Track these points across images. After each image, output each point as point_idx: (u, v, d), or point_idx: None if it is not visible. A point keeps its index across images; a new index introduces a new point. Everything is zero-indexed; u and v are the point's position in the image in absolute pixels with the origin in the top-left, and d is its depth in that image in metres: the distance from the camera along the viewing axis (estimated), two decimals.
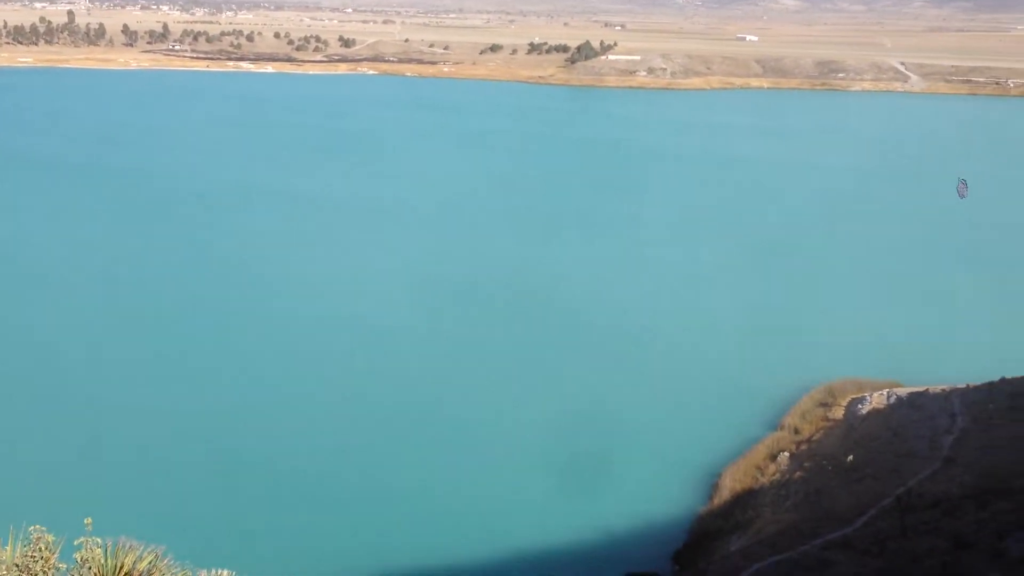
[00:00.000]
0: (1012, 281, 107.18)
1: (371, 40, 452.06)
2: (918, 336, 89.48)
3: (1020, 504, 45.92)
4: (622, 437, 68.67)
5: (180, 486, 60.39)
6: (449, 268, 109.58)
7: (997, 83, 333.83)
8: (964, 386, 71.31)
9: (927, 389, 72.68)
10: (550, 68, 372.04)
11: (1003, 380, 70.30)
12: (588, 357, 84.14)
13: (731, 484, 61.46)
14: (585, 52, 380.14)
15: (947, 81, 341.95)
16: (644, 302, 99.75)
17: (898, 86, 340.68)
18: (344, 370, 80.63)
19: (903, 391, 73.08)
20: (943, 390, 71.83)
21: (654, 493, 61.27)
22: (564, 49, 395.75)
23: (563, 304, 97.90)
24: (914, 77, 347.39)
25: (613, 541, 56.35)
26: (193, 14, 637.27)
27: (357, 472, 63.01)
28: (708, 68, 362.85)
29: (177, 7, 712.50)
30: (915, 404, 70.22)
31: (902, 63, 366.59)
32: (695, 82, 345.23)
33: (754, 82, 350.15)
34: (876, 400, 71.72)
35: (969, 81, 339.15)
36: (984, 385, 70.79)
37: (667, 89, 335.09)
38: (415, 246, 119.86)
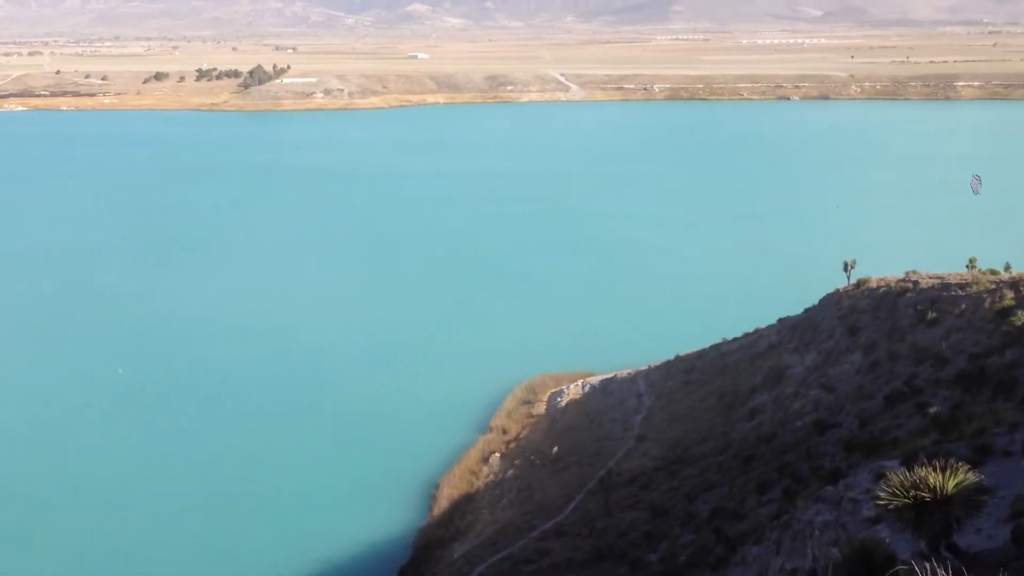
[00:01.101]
0: (665, 267, 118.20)
1: (16, 74, 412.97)
2: (602, 326, 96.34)
3: (704, 468, 50.86)
4: (335, 465, 67.87)
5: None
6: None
7: (645, 88, 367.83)
8: (647, 367, 77.75)
9: (616, 375, 78.45)
10: (223, 94, 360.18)
11: (677, 357, 77.51)
12: (289, 388, 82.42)
13: (449, 492, 62.69)
14: (259, 76, 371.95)
15: (603, 89, 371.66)
16: (338, 322, 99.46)
17: (561, 96, 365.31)
18: None
19: (595, 379, 78.35)
20: (629, 374, 77.91)
21: (375, 514, 61.12)
22: (236, 74, 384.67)
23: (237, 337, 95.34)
24: (574, 87, 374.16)
25: (337, 569, 55.52)
26: None
27: None
28: (385, 87, 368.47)
29: None
30: (607, 390, 75.54)
31: (562, 74, 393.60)
32: (373, 101, 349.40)
33: (430, 98, 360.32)
34: (573, 391, 76.33)
35: (621, 88, 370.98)
36: (663, 364, 77.65)
37: (346, 110, 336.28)
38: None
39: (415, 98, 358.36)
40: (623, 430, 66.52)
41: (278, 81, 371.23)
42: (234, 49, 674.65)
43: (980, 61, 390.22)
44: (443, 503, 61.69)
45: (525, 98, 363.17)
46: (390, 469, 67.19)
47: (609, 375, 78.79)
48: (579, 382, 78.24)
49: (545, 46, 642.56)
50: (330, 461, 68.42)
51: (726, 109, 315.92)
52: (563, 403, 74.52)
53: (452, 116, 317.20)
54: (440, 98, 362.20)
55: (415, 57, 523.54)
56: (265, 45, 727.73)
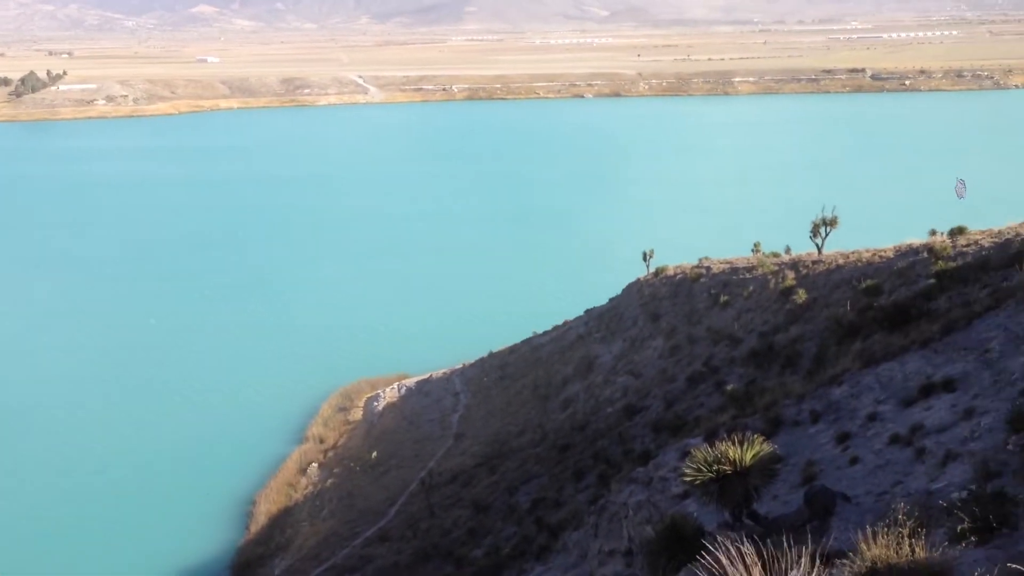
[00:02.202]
0: (484, 263, 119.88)
1: None
2: (415, 328, 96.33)
3: (523, 461, 51.86)
4: (145, 488, 64.43)
5: None
6: None
7: (444, 89, 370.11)
8: (462, 365, 78.40)
9: (431, 375, 78.63)
10: None
11: (491, 354, 78.59)
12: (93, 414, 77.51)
13: (266, 507, 60.91)
14: (31, 84, 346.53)
15: (402, 91, 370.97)
16: (138, 334, 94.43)
17: (360, 98, 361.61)
18: None
19: (411, 381, 78.24)
20: (445, 373, 78.30)
21: (189, 536, 58.52)
22: (6, 82, 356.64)
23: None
24: (373, 89, 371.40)
25: None
26: None
27: None
28: (173, 92, 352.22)
29: None
30: (423, 391, 75.59)
31: (360, 76, 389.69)
32: (161, 107, 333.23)
33: (223, 103, 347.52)
34: (389, 395, 75.87)
35: (420, 89, 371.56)
36: (478, 361, 78.53)
37: (132, 117, 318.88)
38: None
39: (207, 103, 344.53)
40: (442, 429, 66.80)
41: (54, 88, 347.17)
42: (2, 55, 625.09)
43: (753, 58, 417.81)
44: (261, 519, 59.85)
45: (323, 101, 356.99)
46: (203, 487, 64.48)
47: (425, 376, 78.89)
48: (395, 385, 77.90)
49: (341, 48, 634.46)
50: (139, 483, 64.85)
51: (524, 108, 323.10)
52: (380, 407, 73.96)
53: (245, 121, 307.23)
54: (234, 103, 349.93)
55: (205, 61, 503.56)
56: (37, 50, 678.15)
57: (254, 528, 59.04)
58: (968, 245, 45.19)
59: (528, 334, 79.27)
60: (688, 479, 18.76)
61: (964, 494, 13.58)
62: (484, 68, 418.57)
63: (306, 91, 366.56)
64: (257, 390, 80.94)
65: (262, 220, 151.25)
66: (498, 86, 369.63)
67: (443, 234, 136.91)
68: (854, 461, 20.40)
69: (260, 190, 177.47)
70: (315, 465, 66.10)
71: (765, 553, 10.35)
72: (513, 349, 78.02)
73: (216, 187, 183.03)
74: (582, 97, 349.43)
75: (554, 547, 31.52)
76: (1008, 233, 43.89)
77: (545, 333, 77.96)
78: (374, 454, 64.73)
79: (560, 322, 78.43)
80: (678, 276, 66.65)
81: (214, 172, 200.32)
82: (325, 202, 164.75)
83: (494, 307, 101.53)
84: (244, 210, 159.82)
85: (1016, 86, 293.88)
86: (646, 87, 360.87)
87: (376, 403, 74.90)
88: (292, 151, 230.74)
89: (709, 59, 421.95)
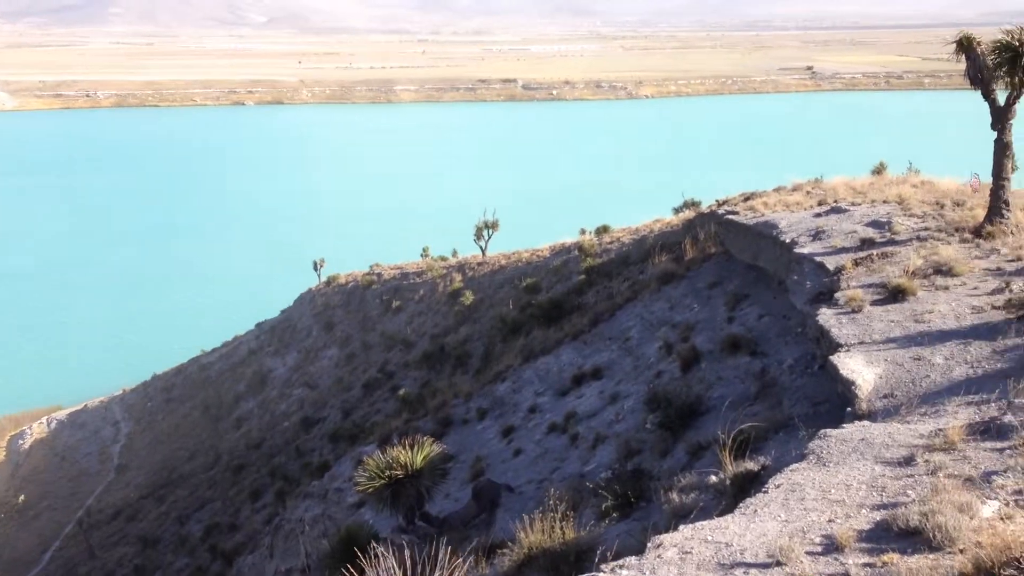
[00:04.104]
0: (142, 283, 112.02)
1: None
2: (64, 357, 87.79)
3: (195, 487, 49.14)
4: None
5: None
6: None
7: (88, 95, 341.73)
8: (121, 392, 72.85)
9: (86, 405, 72.31)
10: None
11: (155, 377, 73.81)
12: None
13: None
14: None
15: (38, 96, 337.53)
16: None
17: None
18: None
19: (63, 414, 71.49)
20: (103, 402, 72.36)
21: None
22: None
23: None
24: (3, 95, 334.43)
25: None
26: None
27: None
28: None
29: None
30: (78, 423, 69.33)
31: None
32: None
33: None
34: (37, 430, 68.77)
35: (60, 95, 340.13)
36: (140, 386, 73.41)
37: None
38: None
39: None
40: (101, 463, 61.61)
41: None
42: None
43: (414, 67, 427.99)
44: None
45: None
46: None
47: (79, 407, 72.34)
48: (44, 419, 70.67)
49: None
50: None
51: (179, 116, 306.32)
52: (26, 445, 66.74)
53: None
54: None
55: None
56: None
57: None
58: (612, 242, 49.30)
59: (196, 353, 75.38)
60: (361, 488, 18.78)
61: (608, 474, 14.71)
62: (132, 73, 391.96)
63: None
64: None
65: None
66: (150, 92, 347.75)
67: (90, 254, 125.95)
68: (518, 453, 21.48)
69: None
70: None
71: (430, 552, 10.51)
72: (180, 370, 73.84)
73: None
74: (243, 104, 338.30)
75: (228, 574, 30.14)
76: (644, 230, 48.40)
77: (214, 351, 74.55)
78: (21, 497, 58.25)
79: (230, 338, 75.36)
80: (350, 284, 66.59)
81: None
82: None
83: (157, 329, 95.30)
84: None
85: (647, 96, 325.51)
86: (309, 95, 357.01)
87: (21, 441, 67.52)
88: None
89: (371, 67, 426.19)
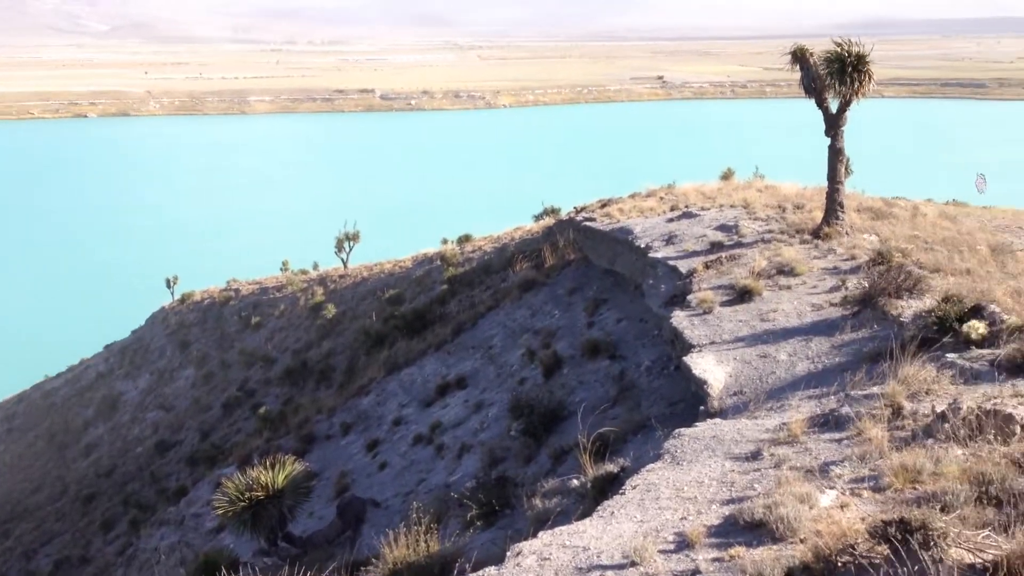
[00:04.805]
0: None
1: None
2: None
3: (41, 520, 46.46)
4: None
5: None
6: None
7: None
8: None
9: None
10: None
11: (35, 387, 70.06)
12: None
13: None
14: None
15: None
16: None
17: None
18: None
19: None
20: None
21: None
22: None
23: None
24: None
25: None
26: None
27: None
28: None
29: None
30: None
31: None
32: None
33: None
34: None
35: None
36: (14, 396, 69.78)
37: None
38: None
39: None
40: None
41: None
42: None
43: (268, 77, 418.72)
44: None
45: None
46: None
47: None
48: None
49: None
50: None
51: (15, 130, 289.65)
52: None
53: None
54: None
55: None
56: None
57: None
58: (474, 251, 49.51)
59: (39, 378, 71.36)
60: (220, 511, 18.17)
61: (473, 483, 14.74)
62: None
63: None
64: None
65: None
66: None
67: None
68: (383, 466, 21.26)
69: None
70: None
71: (291, 574, 10.28)
72: (22, 397, 69.77)
73: None
74: (85, 117, 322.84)
75: None
76: (505, 239, 48.87)
77: (59, 376, 70.74)
78: None
79: (76, 362, 71.66)
80: (206, 301, 64.44)
81: None
82: None
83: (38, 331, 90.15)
84: None
85: (505, 105, 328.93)
86: (157, 106, 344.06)
87: None
88: None
89: (223, 78, 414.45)
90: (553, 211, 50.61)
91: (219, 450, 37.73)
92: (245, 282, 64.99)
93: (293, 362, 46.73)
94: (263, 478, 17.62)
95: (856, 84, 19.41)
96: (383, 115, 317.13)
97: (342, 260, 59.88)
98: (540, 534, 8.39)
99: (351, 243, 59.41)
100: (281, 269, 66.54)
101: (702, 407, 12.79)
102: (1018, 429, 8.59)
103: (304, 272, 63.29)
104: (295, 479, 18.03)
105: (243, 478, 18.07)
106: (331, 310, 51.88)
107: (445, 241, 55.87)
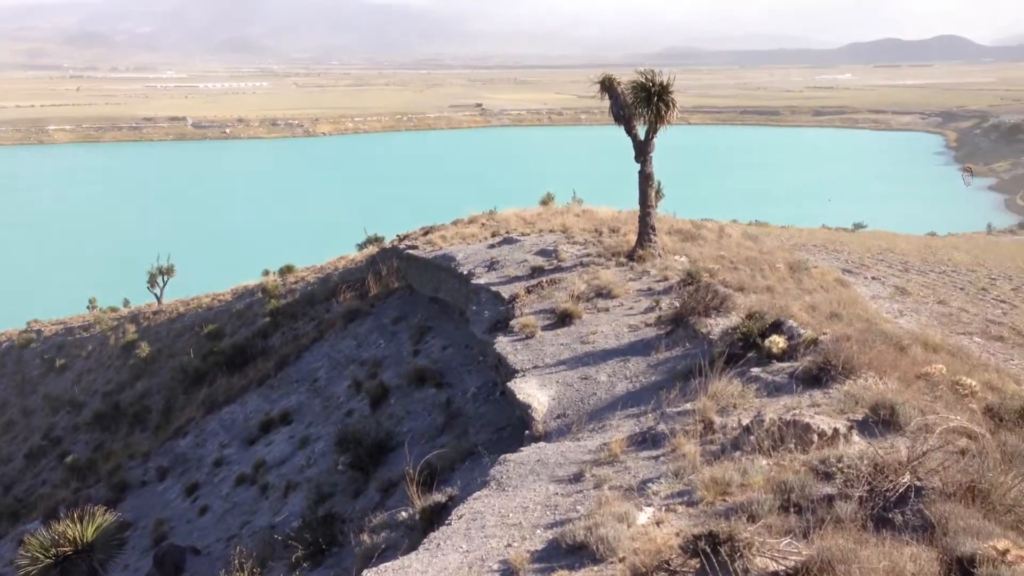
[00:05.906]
0: None
1: None
2: None
3: None
4: None
5: None
6: None
7: None
8: None
9: None
10: None
11: None
12: None
13: None
14: None
15: None
16: None
17: None
18: None
19: None
20: None
21: None
22: None
23: None
24: None
25: None
26: None
27: None
28: None
29: None
30: None
31: None
32: None
33: None
34: None
35: None
36: None
37: None
38: None
39: None
40: None
41: None
42: None
43: (68, 105, 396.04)
44: None
45: None
46: None
47: None
48: None
49: None
50: None
51: None
52: None
53: None
54: None
55: None
56: None
57: None
58: (297, 282, 48.43)
59: None
60: (24, 571, 16.88)
61: (299, 522, 14.34)
62: None
63: None
64: None
65: None
66: None
67: None
68: (204, 511, 20.32)
69: None
70: None
71: None
72: None
73: None
74: None
75: None
76: (329, 268, 48.11)
77: None
78: None
79: None
80: (4, 344, 59.92)
81: None
82: None
83: None
84: None
85: (324, 133, 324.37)
86: None
87: None
88: None
89: (18, 106, 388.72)
90: (376, 239, 50.27)
91: (22, 504, 35.04)
92: (48, 322, 60.97)
93: (103, 405, 44.11)
94: (70, 532, 16.49)
95: (661, 112, 20.33)
96: (196, 144, 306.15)
97: (155, 296, 57.11)
98: (364, 572, 8.24)
99: (165, 277, 56.76)
100: (88, 307, 62.80)
101: (527, 431, 12.97)
102: (815, 437, 9.16)
103: (114, 309, 60.02)
104: (107, 531, 16.98)
105: (48, 533, 16.87)
106: (145, 348, 49.34)
107: (267, 272, 54.41)
